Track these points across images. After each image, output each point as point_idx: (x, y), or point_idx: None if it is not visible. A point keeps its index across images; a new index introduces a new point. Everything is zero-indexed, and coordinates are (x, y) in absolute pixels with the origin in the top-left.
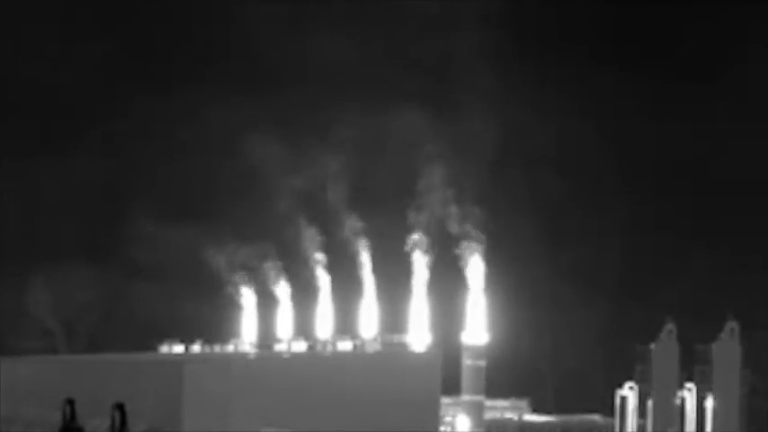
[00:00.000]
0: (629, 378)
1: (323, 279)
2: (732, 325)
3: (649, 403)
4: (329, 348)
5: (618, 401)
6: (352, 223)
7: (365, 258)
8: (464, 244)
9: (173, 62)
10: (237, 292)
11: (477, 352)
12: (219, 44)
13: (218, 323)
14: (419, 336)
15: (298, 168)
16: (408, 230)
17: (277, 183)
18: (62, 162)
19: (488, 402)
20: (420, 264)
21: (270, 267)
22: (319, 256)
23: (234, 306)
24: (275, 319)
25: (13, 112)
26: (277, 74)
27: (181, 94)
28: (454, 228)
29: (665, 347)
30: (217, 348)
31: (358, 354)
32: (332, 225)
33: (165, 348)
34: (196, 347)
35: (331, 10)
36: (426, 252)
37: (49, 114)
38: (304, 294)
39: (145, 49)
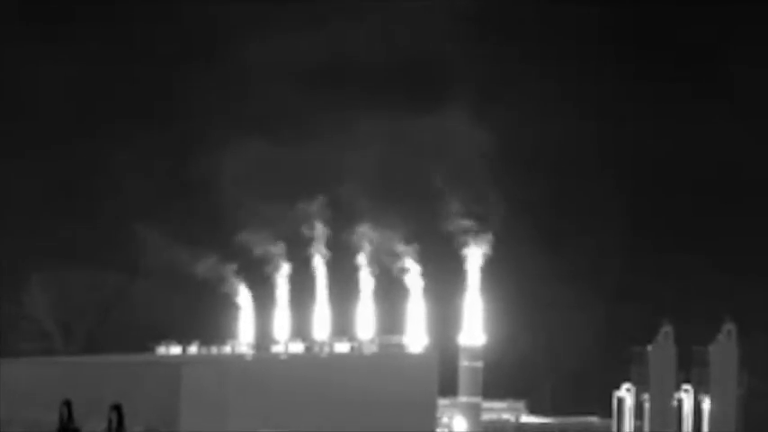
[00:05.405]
0: (627, 380)
1: (320, 281)
2: (729, 327)
3: (646, 405)
4: (326, 350)
5: (615, 403)
6: (351, 225)
7: (362, 260)
8: (461, 245)
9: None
10: (234, 293)
11: (474, 353)
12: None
13: (216, 324)
14: (416, 337)
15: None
16: (405, 231)
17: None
18: (58, 162)
19: (485, 404)
20: (416, 265)
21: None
22: (317, 258)
23: (231, 307)
24: (272, 321)
25: (11, 111)
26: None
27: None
28: (452, 229)
29: (662, 349)
30: (214, 350)
31: (355, 355)
32: (331, 227)
33: (162, 350)
34: (193, 349)
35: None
36: (423, 253)
37: (42, 114)
38: (301, 296)
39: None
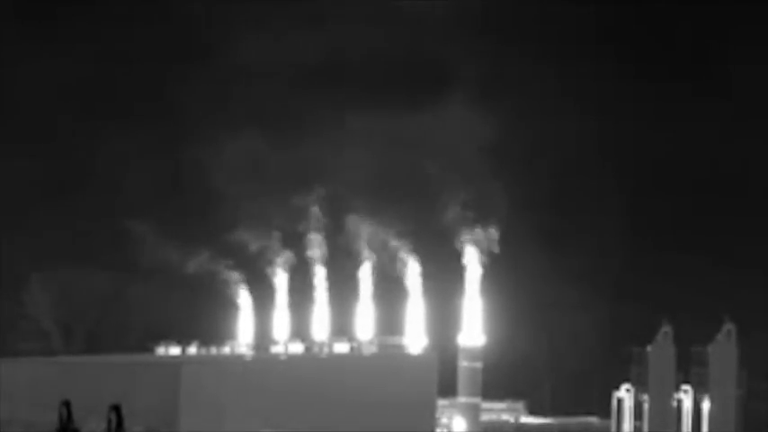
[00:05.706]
0: (626, 380)
1: (320, 281)
2: (729, 327)
3: (646, 405)
4: (326, 350)
5: (614, 403)
6: (350, 225)
7: (363, 260)
8: (461, 245)
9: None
10: (234, 294)
11: (473, 354)
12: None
13: (215, 325)
14: (416, 338)
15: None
16: (405, 231)
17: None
18: (60, 161)
19: (485, 404)
20: (416, 266)
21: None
22: (316, 258)
23: (230, 307)
24: (272, 321)
25: (8, 110)
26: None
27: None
28: (451, 229)
29: (661, 349)
30: (213, 350)
31: (355, 356)
32: (330, 227)
33: (161, 350)
34: (192, 349)
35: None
36: (422, 253)
37: (39, 113)
38: (301, 296)
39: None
